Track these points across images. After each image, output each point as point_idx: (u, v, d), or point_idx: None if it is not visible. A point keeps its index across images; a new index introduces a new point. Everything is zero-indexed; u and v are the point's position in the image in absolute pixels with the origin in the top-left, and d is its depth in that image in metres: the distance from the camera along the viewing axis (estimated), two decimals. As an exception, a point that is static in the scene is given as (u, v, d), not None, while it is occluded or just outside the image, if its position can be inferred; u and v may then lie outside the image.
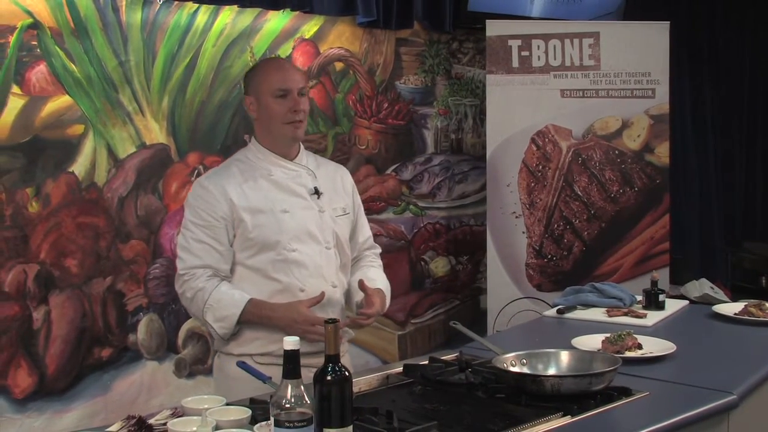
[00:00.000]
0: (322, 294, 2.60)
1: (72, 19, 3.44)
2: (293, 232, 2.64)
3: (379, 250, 2.98)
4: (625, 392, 2.25)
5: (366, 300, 2.67)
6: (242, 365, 2.40)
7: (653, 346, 2.65)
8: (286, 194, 2.68)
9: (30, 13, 3.34)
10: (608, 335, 2.67)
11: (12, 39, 3.31)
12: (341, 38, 4.29)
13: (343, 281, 2.75)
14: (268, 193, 2.66)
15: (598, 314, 3.15)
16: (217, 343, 2.74)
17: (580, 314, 3.18)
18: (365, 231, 2.92)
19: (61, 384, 3.44)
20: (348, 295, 2.78)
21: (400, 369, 2.49)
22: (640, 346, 2.64)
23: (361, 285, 2.68)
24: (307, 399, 1.77)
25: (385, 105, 4.48)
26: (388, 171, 4.52)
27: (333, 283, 2.70)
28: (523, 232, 4.46)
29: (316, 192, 2.71)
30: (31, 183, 3.38)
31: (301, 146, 2.77)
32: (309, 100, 2.73)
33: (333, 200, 2.75)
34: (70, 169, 3.47)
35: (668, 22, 4.46)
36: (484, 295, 4.64)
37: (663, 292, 3.24)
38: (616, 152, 4.47)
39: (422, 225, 4.64)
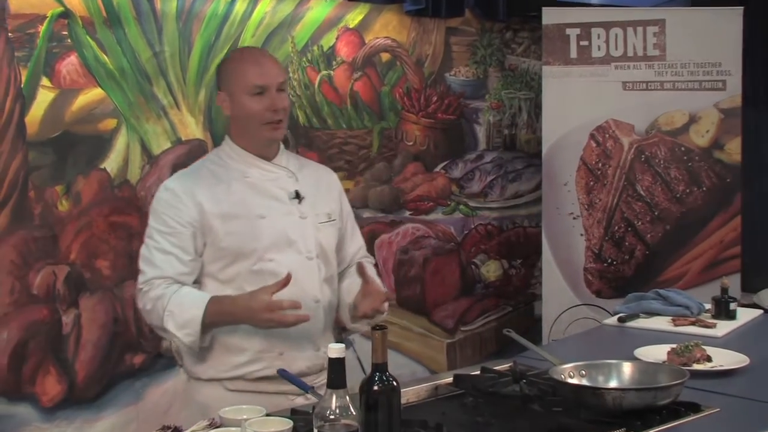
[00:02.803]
0: (288, 275, 2.43)
1: (104, 7, 3.49)
2: (270, 240, 2.54)
3: (372, 260, 2.88)
4: (693, 408, 2.23)
5: (366, 288, 2.56)
6: (283, 373, 2.41)
7: (724, 359, 2.62)
8: (263, 198, 2.58)
9: (60, 2, 3.39)
10: (674, 346, 2.65)
11: (42, 29, 3.37)
12: (388, 27, 4.31)
13: (328, 295, 2.64)
14: (242, 197, 2.56)
15: (662, 323, 3.12)
16: (187, 365, 2.63)
17: (643, 323, 3.15)
18: (357, 240, 2.81)
19: (92, 392, 3.49)
20: (338, 307, 2.68)
21: (450, 379, 2.49)
22: (709, 359, 2.61)
23: (360, 268, 2.59)
24: (352, 410, 1.78)
25: (434, 98, 4.48)
26: (437, 169, 4.52)
27: (315, 297, 2.59)
28: (582, 235, 4.43)
29: (297, 196, 2.60)
30: (61, 180, 3.43)
31: (281, 146, 2.67)
32: (288, 96, 2.62)
33: (317, 205, 2.64)
34: (102, 166, 3.52)
35: (741, 7, 4.40)
36: (539, 301, 4.61)
37: (734, 300, 3.21)
38: (683, 149, 4.43)
39: (473, 226, 4.63)
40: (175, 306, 2.48)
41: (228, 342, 2.53)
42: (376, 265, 2.85)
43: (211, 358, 2.56)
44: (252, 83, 2.55)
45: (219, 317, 2.48)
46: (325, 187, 2.71)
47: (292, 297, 2.44)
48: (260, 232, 2.54)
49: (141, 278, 2.56)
